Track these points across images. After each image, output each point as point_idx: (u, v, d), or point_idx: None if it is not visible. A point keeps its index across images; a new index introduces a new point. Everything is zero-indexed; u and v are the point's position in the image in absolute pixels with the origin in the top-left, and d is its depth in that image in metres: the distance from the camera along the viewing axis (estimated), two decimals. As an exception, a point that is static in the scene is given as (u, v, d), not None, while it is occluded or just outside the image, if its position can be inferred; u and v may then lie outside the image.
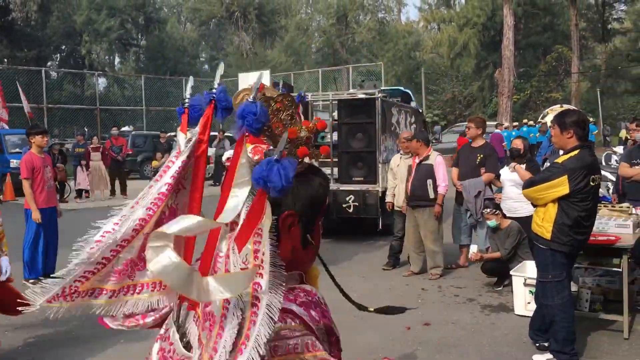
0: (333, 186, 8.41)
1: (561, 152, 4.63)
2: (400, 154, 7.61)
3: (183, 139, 1.50)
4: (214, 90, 1.51)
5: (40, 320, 5.53)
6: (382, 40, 42.27)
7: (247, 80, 21.52)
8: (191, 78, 1.68)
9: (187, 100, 1.55)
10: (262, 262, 1.13)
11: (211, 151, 20.34)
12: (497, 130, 18.79)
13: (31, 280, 6.82)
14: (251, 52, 40.85)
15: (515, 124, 21.79)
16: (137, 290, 1.47)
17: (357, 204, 8.45)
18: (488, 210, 6.49)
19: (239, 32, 41.58)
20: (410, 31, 45.30)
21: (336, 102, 9.05)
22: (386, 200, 7.68)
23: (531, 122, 21.63)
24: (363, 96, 8.80)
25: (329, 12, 42.19)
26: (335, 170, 8.74)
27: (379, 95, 8.60)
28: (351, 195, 8.48)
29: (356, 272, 7.27)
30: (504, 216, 6.51)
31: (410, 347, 4.72)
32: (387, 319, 5.42)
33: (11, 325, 5.40)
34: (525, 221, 6.19)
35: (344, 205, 8.52)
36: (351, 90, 11.24)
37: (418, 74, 37.54)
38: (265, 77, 20.85)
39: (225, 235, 1.24)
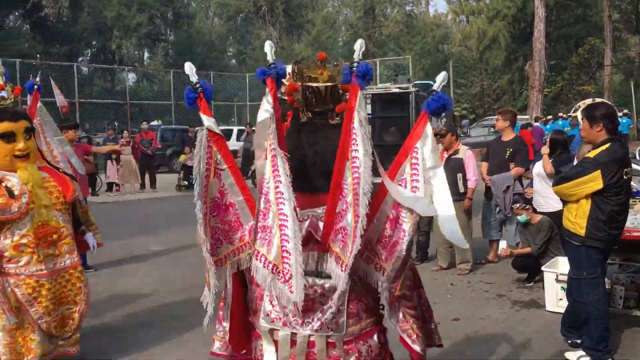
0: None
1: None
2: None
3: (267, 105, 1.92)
4: (275, 65, 1.95)
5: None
6: (410, 33, 41.96)
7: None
8: (268, 43, 2.03)
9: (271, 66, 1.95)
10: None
11: (238, 145, 20.50)
12: (537, 124, 18.55)
13: None
14: (278, 46, 40.88)
15: (549, 117, 21.39)
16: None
17: None
18: (517, 205, 6.38)
19: (266, 27, 41.70)
20: (438, 24, 44.86)
21: (369, 96, 9.04)
22: None
23: (564, 115, 21.23)
24: (397, 90, 8.82)
25: (356, 5, 42.04)
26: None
27: (413, 89, 8.63)
28: None
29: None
30: (535, 211, 6.41)
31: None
32: (415, 313, 5.40)
33: (45, 315, 5.52)
34: (551, 217, 6.12)
35: None
36: (385, 85, 11.36)
37: (446, 68, 37.16)
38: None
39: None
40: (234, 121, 30.14)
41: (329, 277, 2.01)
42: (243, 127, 21.15)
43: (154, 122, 25.76)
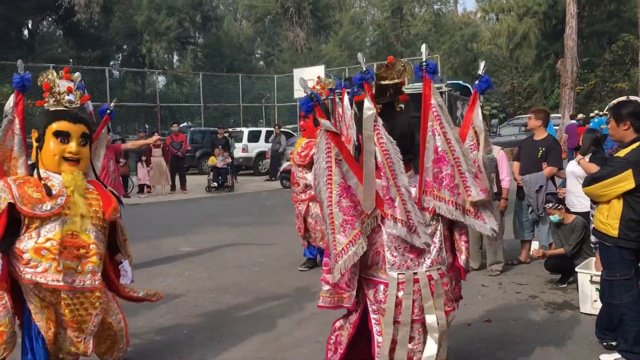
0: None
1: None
2: None
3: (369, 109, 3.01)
4: (368, 71, 2.94)
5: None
6: (438, 32, 41.65)
7: (302, 75, 21.73)
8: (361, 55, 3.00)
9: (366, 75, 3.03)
10: None
11: (267, 146, 20.59)
12: (573, 121, 18.25)
13: None
14: (306, 47, 41.00)
15: (580, 115, 20.98)
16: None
17: None
18: (550, 204, 6.28)
19: (294, 28, 41.79)
20: (467, 22, 44.43)
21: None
22: None
23: (600, 112, 20.79)
24: None
25: (384, 5, 41.89)
26: None
27: (447, 89, 8.69)
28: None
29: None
30: (568, 211, 6.30)
31: (472, 344, 4.64)
32: (446, 315, 5.35)
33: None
34: (584, 217, 6.01)
35: None
36: (418, 84, 11.51)
37: (475, 66, 36.72)
38: (320, 72, 20.98)
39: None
40: (262, 122, 30.30)
41: (428, 225, 3.03)
42: (271, 129, 21.24)
43: (184, 124, 26.07)
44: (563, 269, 6.14)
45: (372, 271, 3.04)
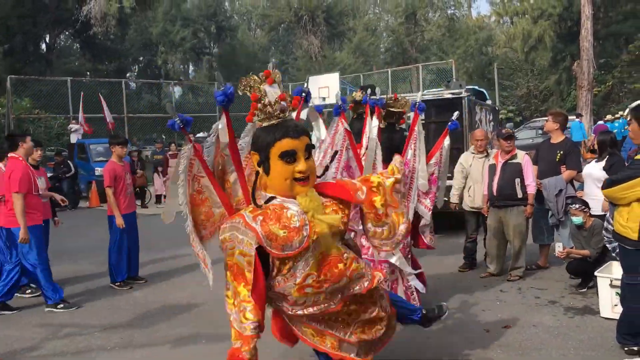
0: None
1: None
2: (472, 152, 7.41)
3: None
4: (379, 99, 4.97)
5: (129, 321, 5.79)
6: (453, 36, 41.52)
7: (316, 82, 21.85)
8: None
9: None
10: None
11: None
12: (601, 122, 18.18)
13: (117, 283, 7.15)
14: (320, 54, 41.14)
15: (609, 116, 20.76)
16: None
17: (446, 199, 8.52)
18: (577, 206, 6.16)
19: (308, 36, 41.96)
20: (481, 26, 44.28)
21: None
22: (450, 201, 7.41)
23: (622, 114, 20.55)
24: (450, 96, 9.11)
25: (397, 11, 41.89)
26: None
27: (466, 94, 8.90)
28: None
29: (431, 272, 7.17)
30: (591, 215, 6.24)
31: (491, 350, 4.60)
32: (465, 320, 5.32)
33: (101, 326, 5.68)
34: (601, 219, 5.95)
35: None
36: (438, 90, 11.97)
37: (490, 70, 36.61)
38: (334, 79, 20.98)
39: None
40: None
41: None
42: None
43: (200, 134, 26.18)
44: (585, 273, 6.06)
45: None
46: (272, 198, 2.96)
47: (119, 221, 7.01)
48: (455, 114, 5.47)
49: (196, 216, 3.23)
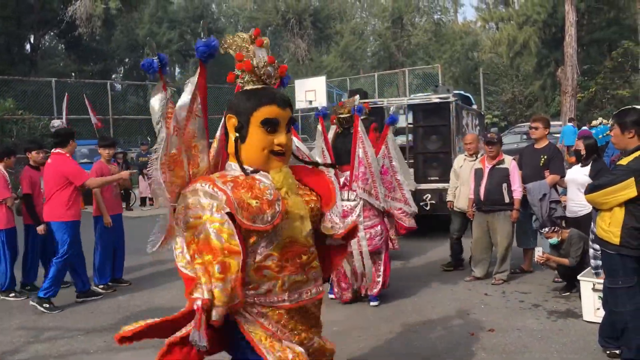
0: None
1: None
2: (465, 155, 7.51)
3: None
4: (322, 109, 6.37)
5: (113, 325, 5.74)
6: (439, 41, 41.76)
7: (303, 86, 21.81)
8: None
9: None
10: None
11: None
12: (585, 127, 18.34)
13: (101, 286, 7.09)
14: (307, 58, 41.15)
15: (596, 121, 20.92)
16: None
17: (434, 202, 8.86)
18: (547, 229, 6.25)
19: (295, 39, 41.96)
20: (467, 31, 44.62)
21: (409, 106, 9.71)
22: (447, 199, 7.67)
23: (605, 120, 20.77)
24: (438, 100, 9.26)
25: (384, 15, 42.01)
26: (412, 170, 9.12)
27: (453, 99, 9.05)
28: (428, 194, 8.93)
29: (415, 274, 7.21)
30: (564, 227, 6.32)
31: (475, 354, 4.63)
32: (450, 324, 5.34)
33: (84, 329, 5.63)
34: (585, 219, 6.01)
35: (421, 204, 8.87)
36: (426, 94, 12.22)
37: (476, 75, 36.87)
38: (321, 83, 21.00)
39: None
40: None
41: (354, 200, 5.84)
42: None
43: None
44: (571, 277, 6.09)
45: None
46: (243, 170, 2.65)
47: (107, 219, 6.98)
48: (392, 108, 6.37)
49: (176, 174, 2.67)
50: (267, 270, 2.58)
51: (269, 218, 2.51)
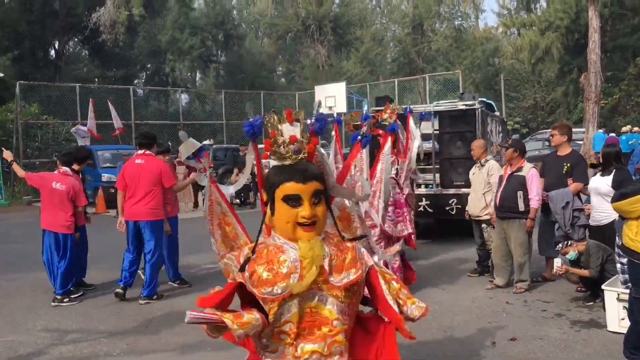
0: (435, 190, 9.58)
1: None
2: (480, 163, 7.51)
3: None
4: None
5: (135, 328, 5.80)
6: (459, 47, 41.55)
7: (323, 92, 21.87)
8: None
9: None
10: None
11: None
12: (613, 134, 18.22)
13: (178, 281, 7.58)
14: (327, 64, 41.24)
15: (625, 128, 20.73)
16: None
17: (459, 206, 9.00)
18: (561, 245, 6.20)
19: (315, 45, 42.08)
20: (488, 37, 44.31)
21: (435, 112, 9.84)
22: (466, 209, 7.68)
23: (635, 128, 20.54)
24: (464, 107, 9.47)
25: (405, 21, 41.96)
26: (437, 175, 9.66)
27: (479, 106, 9.26)
28: (453, 199, 9.16)
29: (436, 281, 7.17)
30: (581, 239, 6.26)
31: (496, 363, 4.59)
32: (471, 333, 5.30)
33: (107, 332, 5.69)
34: (609, 228, 5.94)
35: (447, 208, 9.27)
36: (452, 101, 12.57)
37: (497, 81, 36.61)
38: (341, 89, 21.03)
39: None
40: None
41: None
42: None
43: (206, 142, 26.17)
44: (595, 286, 6.01)
45: None
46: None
47: (167, 227, 7.19)
48: (363, 129, 5.49)
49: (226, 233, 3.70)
50: (284, 335, 2.73)
51: (279, 291, 2.66)
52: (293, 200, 2.77)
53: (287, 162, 2.86)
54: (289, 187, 2.78)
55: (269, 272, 2.70)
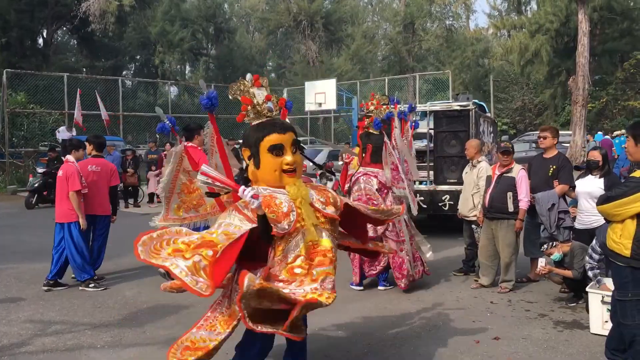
0: (430, 187, 9.90)
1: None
2: (472, 163, 7.53)
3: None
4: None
5: (119, 320, 5.77)
6: (450, 47, 41.69)
7: (313, 88, 21.83)
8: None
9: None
10: None
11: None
12: (607, 137, 18.43)
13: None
14: (317, 60, 41.16)
15: (618, 132, 20.95)
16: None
17: (452, 202, 9.38)
18: (546, 246, 6.25)
19: (306, 41, 41.96)
20: (479, 38, 44.44)
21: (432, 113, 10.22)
22: (458, 207, 7.75)
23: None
24: (458, 107, 9.82)
25: (396, 19, 42.00)
26: (431, 173, 10.00)
27: (473, 107, 9.60)
28: (447, 195, 9.51)
29: (422, 281, 7.20)
30: (566, 240, 6.32)
31: (480, 362, 4.62)
32: (454, 331, 5.33)
33: (91, 324, 5.66)
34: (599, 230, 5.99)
35: (440, 204, 9.67)
36: (447, 102, 12.99)
37: (486, 82, 36.79)
38: (331, 86, 21.03)
39: None
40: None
41: None
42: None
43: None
44: (579, 288, 6.07)
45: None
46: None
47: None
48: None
49: (189, 200, 4.19)
50: (298, 269, 3.22)
51: (286, 226, 3.20)
52: (277, 149, 3.30)
53: (263, 120, 3.38)
54: (273, 138, 3.29)
55: (272, 213, 3.19)
